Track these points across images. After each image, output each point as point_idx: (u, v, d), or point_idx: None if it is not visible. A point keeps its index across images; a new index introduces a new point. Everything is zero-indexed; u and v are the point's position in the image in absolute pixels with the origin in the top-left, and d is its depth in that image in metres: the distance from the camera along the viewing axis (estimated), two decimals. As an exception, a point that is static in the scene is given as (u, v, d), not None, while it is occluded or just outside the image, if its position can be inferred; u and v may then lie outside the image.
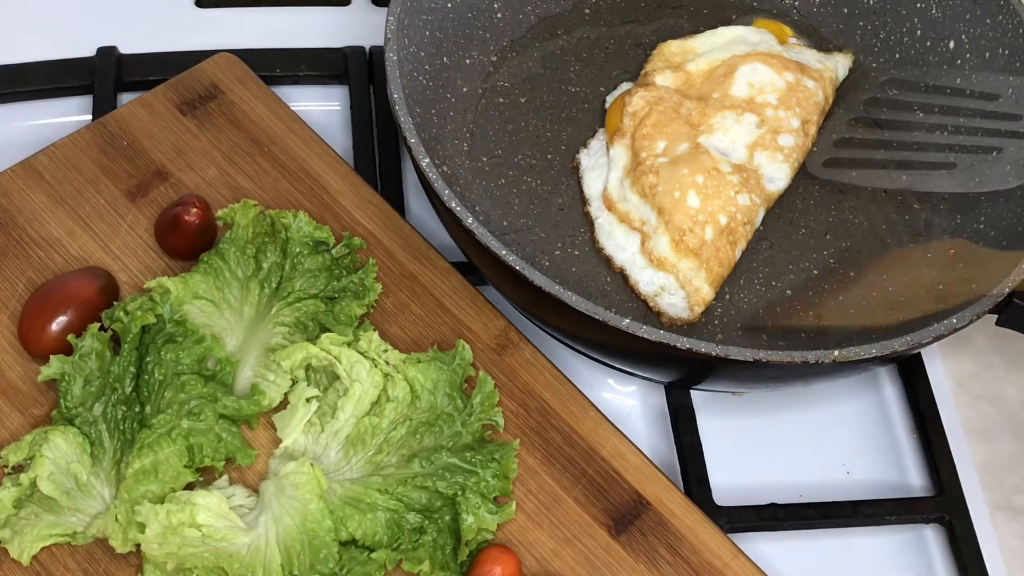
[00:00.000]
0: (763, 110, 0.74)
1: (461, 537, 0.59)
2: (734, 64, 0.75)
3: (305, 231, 0.67)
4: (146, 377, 0.62)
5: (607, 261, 0.71)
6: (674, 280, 0.69)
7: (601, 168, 0.73)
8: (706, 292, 0.68)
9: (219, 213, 0.68)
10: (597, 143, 0.75)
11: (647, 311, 0.70)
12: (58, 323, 0.63)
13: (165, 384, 0.62)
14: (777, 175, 0.73)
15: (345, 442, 0.62)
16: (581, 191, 0.74)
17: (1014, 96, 0.73)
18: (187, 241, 0.67)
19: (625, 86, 0.77)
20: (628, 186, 0.71)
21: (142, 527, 0.57)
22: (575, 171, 0.75)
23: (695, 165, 0.70)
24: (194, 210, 0.66)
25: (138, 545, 0.58)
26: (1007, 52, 0.74)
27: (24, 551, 0.57)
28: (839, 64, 0.79)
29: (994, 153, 0.73)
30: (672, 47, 0.79)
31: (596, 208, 0.72)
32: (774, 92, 0.74)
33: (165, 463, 0.59)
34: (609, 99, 0.77)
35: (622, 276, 0.70)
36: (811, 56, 0.78)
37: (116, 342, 0.63)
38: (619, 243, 0.71)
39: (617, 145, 0.73)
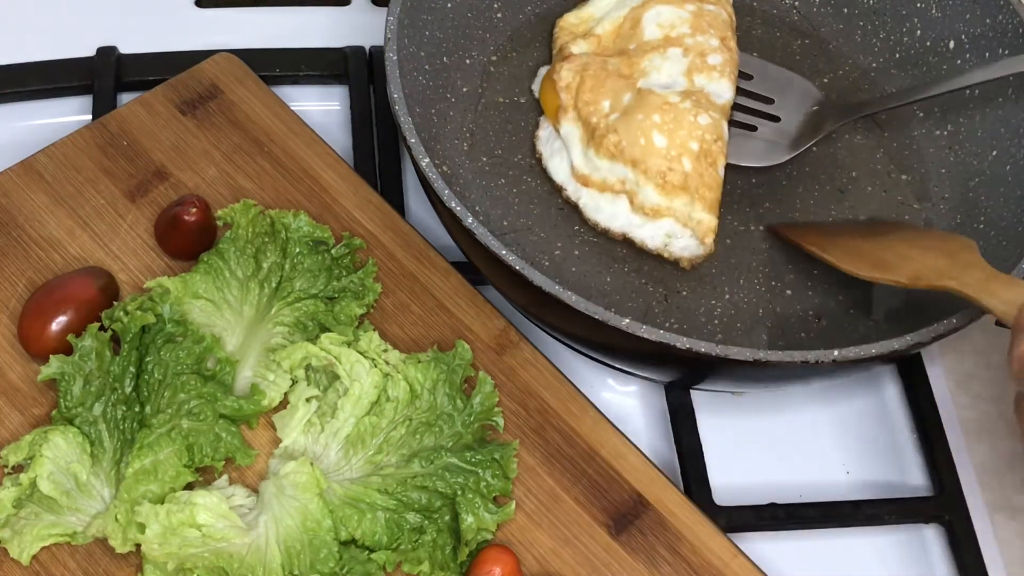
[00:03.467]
0: (682, 40, 0.74)
1: (461, 537, 0.59)
2: (637, 15, 0.76)
3: (305, 231, 0.67)
4: (146, 377, 0.62)
5: (605, 234, 0.72)
6: (674, 222, 0.69)
7: (559, 151, 0.73)
8: (708, 220, 0.69)
9: (219, 213, 0.68)
10: (545, 132, 0.75)
11: (648, 311, 0.69)
12: (58, 323, 0.63)
13: (165, 384, 0.62)
14: (721, 90, 0.73)
15: (345, 442, 0.62)
16: (552, 183, 0.74)
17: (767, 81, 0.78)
18: (187, 241, 0.67)
19: (543, 70, 0.77)
20: (593, 155, 0.71)
21: (142, 527, 0.57)
22: (538, 164, 0.75)
23: (647, 108, 0.70)
24: (194, 210, 0.66)
25: (138, 545, 0.58)
26: (1007, 52, 0.74)
27: (24, 551, 0.57)
28: None
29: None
30: (570, 19, 0.79)
31: (573, 190, 0.72)
32: (684, 23, 0.75)
33: (165, 463, 0.59)
34: (535, 87, 0.77)
35: (626, 242, 0.71)
36: None
37: (116, 342, 0.63)
38: (610, 212, 0.71)
39: (564, 123, 0.73)
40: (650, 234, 0.70)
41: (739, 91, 0.75)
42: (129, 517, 0.58)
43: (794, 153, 0.75)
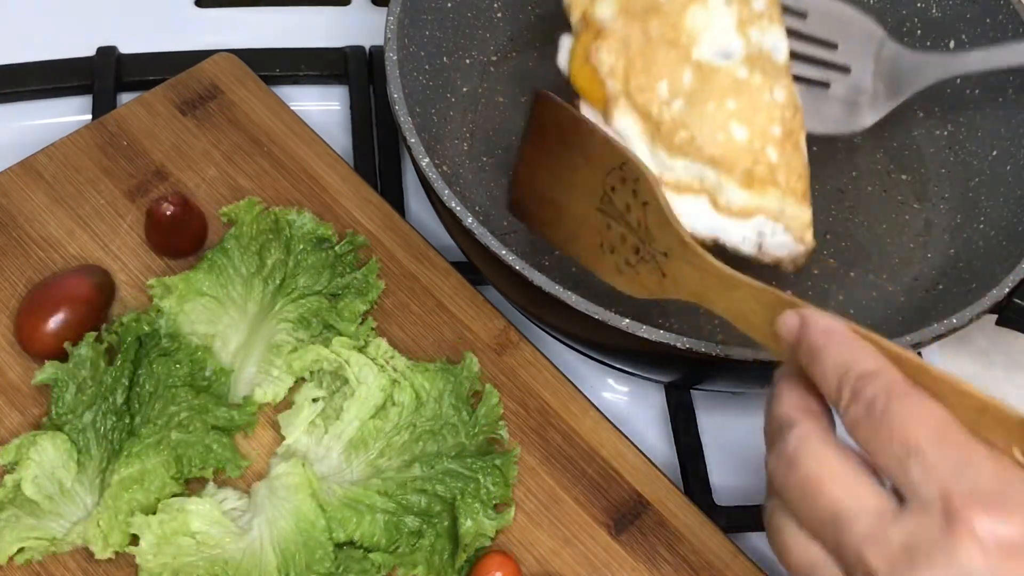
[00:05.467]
0: None
1: (459, 542, 0.59)
2: None
3: (308, 228, 0.68)
4: (137, 389, 0.62)
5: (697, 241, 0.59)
6: (767, 220, 0.62)
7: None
8: (804, 213, 0.62)
9: (222, 211, 0.68)
10: (590, 118, 0.63)
11: (648, 311, 0.69)
12: (54, 321, 0.63)
13: (156, 396, 0.62)
14: (777, 42, 0.63)
15: (347, 444, 0.62)
16: None
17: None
18: (165, 237, 0.67)
19: (566, 41, 0.66)
20: (663, 153, 0.62)
21: (135, 538, 0.57)
22: None
23: (716, 91, 0.61)
24: (165, 204, 0.66)
25: (118, 552, 0.58)
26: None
27: (2, 552, 0.57)
28: None
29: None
30: None
31: None
32: None
33: (152, 472, 0.59)
34: (562, 62, 0.66)
35: (717, 248, 0.62)
36: None
37: (112, 353, 0.63)
38: (692, 215, 0.62)
39: (618, 116, 0.63)
40: (740, 236, 0.62)
41: (791, 33, 0.64)
42: (112, 523, 0.57)
43: (881, 115, 0.66)
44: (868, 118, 0.66)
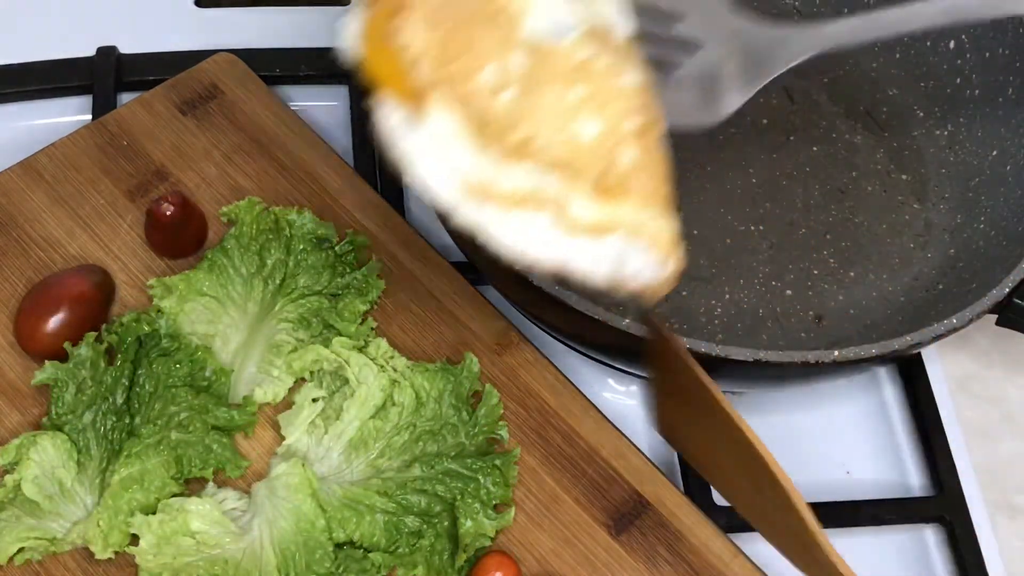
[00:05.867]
0: None
1: (459, 542, 0.59)
2: None
3: (309, 228, 0.68)
4: (137, 389, 0.62)
5: (531, 269, 0.51)
6: (624, 237, 0.48)
7: (432, 150, 0.48)
8: (667, 226, 0.49)
9: (223, 210, 0.68)
10: (394, 116, 0.48)
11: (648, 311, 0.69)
12: (54, 321, 0.63)
13: (156, 396, 0.62)
14: (613, 13, 0.51)
15: (348, 445, 0.62)
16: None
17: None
18: (165, 236, 0.67)
19: (351, 18, 0.51)
20: (494, 156, 0.47)
21: (135, 538, 0.57)
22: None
23: (556, 77, 0.48)
24: (165, 204, 0.66)
25: (117, 552, 0.58)
26: (1007, 52, 0.74)
27: (2, 552, 0.57)
28: None
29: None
30: None
31: (471, 210, 0.48)
32: None
33: (152, 472, 0.59)
34: (347, 43, 0.51)
35: (562, 282, 0.52)
36: None
37: (112, 353, 0.63)
38: (530, 238, 0.48)
39: (433, 111, 0.47)
40: (592, 260, 0.48)
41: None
42: (112, 523, 0.57)
43: (744, 99, 0.54)
44: (728, 104, 0.54)
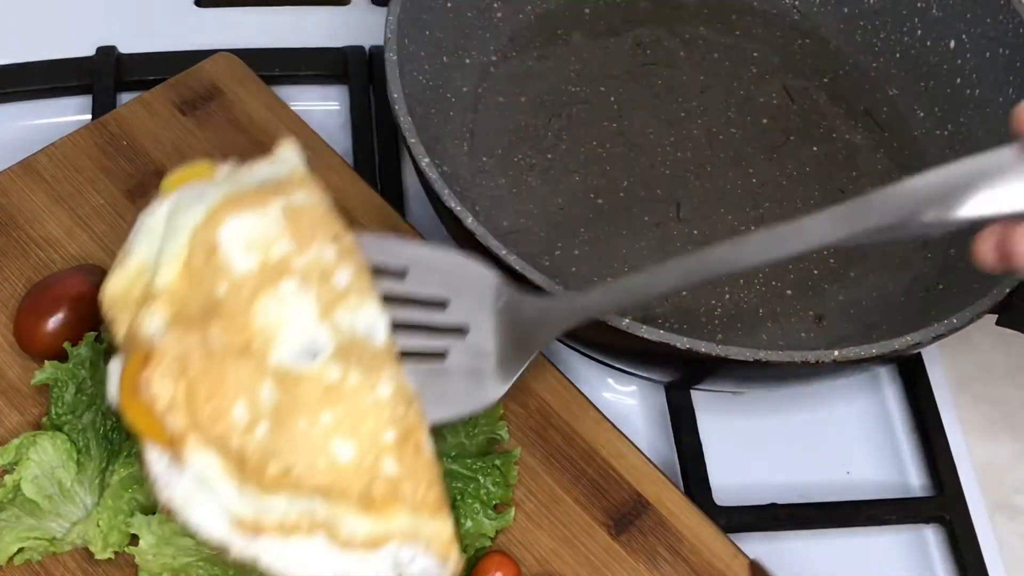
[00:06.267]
0: (289, 264, 0.52)
1: (459, 542, 0.59)
2: (209, 239, 0.52)
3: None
4: None
5: None
6: (401, 545, 0.50)
7: (198, 493, 0.50)
8: (444, 527, 0.51)
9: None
10: (160, 464, 0.50)
11: (648, 311, 0.69)
12: (53, 321, 0.63)
13: None
14: (373, 322, 0.53)
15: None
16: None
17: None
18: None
19: (114, 366, 0.52)
20: (256, 492, 0.49)
21: (134, 538, 0.57)
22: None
23: (305, 405, 0.50)
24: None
25: (117, 552, 0.58)
26: (1007, 52, 0.74)
27: (2, 552, 0.57)
28: (287, 154, 0.58)
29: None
30: (117, 285, 0.53)
31: (244, 544, 0.50)
32: (281, 235, 0.53)
33: None
34: (111, 393, 0.52)
35: None
36: (265, 171, 0.57)
37: (112, 353, 0.63)
38: (309, 561, 0.50)
39: (192, 457, 0.49)
40: (376, 571, 0.50)
41: (390, 300, 0.54)
42: (111, 523, 0.57)
43: (511, 381, 0.55)
44: (496, 388, 0.55)
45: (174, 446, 0.49)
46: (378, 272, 0.55)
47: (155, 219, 0.54)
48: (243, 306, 0.51)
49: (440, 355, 0.55)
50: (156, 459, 0.50)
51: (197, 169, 0.57)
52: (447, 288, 0.56)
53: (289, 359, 0.51)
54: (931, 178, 0.49)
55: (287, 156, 0.58)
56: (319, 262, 0.53)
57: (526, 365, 0.55)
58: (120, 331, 0.52)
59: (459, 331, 0.56)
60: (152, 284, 0.52)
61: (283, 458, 0.49)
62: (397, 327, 0.53)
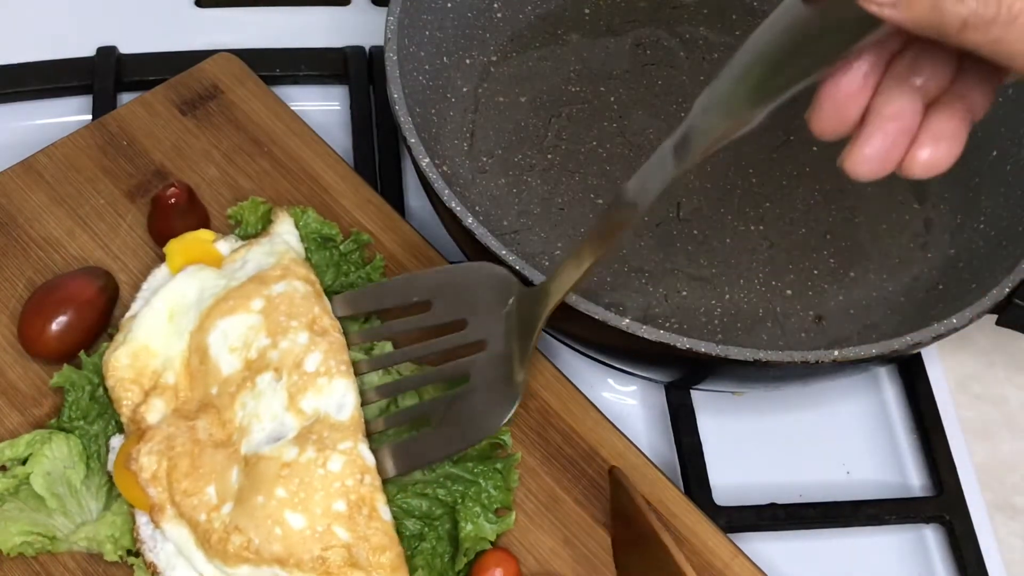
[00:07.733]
0: (266, 358, 0.59)
1: (459, 545, 0.59)
2: (201, 343, 0.60)
3: (313, 227, 0.67)
4: None
5: None
6: None
7: (177, 557, 0.57)
8: None
9: (229, 211, 0.68)
10: (146, 529, 0.57)
11: (648, 311, 0.69)
12: (57, 323, 0.63)
13: None
14: (341, 399, 0.58)
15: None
16: None
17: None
18: (168, 224, 0.66)
19: (116, 442, 0.60)
20: (222, 564, 0.55)
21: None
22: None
23: (264, 484, 0.55)
24: (172, 189, 0.66)
25: (129, 551, 0.58)
26: (1007, 52, 0.74)
27: (6, 542, 0.57)
28: (283, 228, 0.66)
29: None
30: (122, 360, 0.60)
31: None
32: (259, 332, 0.59)
33: None
34: (111, 461, 0.60)
35: None
36: (258, 253, 0.64)
37: None
38: None
39: (167, 525, 0.56)
40: None
41: (419, 336, 0.61)
42: (124, 527, 0.58)
43: (526, 369, 0.59)
44: (518, 376, 0.58)
45: (155, 515, 0.56)
46: (409, 308, 0.61)
47: (158, 310, 0.61)
48: (228, 402, 0.58)
49: (465, 377, 0.60)
50: (144, 525, 0.57)
51: (199, 240, 0.64)
52: (466, 307, 0.60)
53: (256, 445, 0.57)
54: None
55: (283, 231, 0.65)
56: (292, 351, 0.59)
57: (534, 341, 0.58)
58: (124, 413, 0.59)
59: (479, 346, 0.60)
60: (161, 378, 0.59)
61: (244, 532, 0.55)
62: (423, 359, 0.61)
